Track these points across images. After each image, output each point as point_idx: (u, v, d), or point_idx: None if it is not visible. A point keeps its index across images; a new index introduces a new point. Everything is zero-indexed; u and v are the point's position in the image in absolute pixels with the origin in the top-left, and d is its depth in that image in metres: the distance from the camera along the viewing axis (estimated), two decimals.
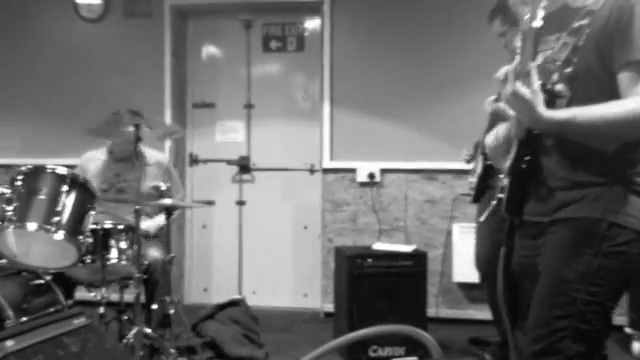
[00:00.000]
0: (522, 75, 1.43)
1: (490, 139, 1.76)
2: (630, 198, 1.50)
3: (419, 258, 3.58)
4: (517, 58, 1.44)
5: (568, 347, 1.49)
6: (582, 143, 1.51)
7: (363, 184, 4.43)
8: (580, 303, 1.49)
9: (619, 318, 3.84)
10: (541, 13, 1.45)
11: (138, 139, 2.92)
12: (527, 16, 1.47)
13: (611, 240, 1.49)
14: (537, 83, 1.43)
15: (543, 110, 1.43)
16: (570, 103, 1.52)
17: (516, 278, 1.70)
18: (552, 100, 1.51)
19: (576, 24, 1.55)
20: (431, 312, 3.95)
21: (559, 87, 1.54)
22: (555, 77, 1.55)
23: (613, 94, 1.48)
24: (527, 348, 1.57)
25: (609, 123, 1.43)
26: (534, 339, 1.54)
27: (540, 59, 1.60)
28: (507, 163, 1.66)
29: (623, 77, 1.47)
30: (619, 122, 1.43)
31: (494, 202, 1.75)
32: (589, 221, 1.51)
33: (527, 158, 1.59)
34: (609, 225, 1.49)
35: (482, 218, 1.70)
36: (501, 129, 1.72)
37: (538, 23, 1.44)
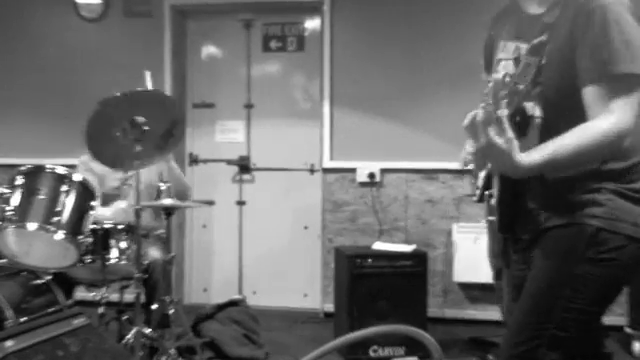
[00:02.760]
0: (492, 122, 1.32)
1: (470, 147, 1.77)
2: (618, 202, 1.47)
3: (419, 258, 3.59)
4: (484, 105, 1.35)
5: (544, 354, 1.47)
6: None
7: (363, 184, 4.43)
8: (560, 309, 1.47)
9: (619, 318, 3.84)
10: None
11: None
12: (498, 75, 1.41)
13: (599, 246, 1.46)
14: (510, 131, 1.33)
15: (520, 158, 1.35)
16: (545, 125, 1.50)
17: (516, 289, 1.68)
18: (526, 123, 1.48)
19: (535, 41, 1.49)
20: (431, 312, 3.95)
21: (530, 106, 1.51)
22: (525, 100, 1.50)
23: (584, 109, 1.44)
24: (505, 350, 1.56)
25: (587, 150, 1.39)
26: (513, 343, 1.53)
27: (502, 70, 1.57)
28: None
29: (587, 92, 1.44)
30: (596, 146, 1.39)
31: (475, 198, 1.76)
32: (574, 227, 1.49)
33: (509, 187, 1.58)
34: (596, 230, 1.46)
35: (491, 217, 1.69)
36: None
37: (504, 111, 1.34)
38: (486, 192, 1.73)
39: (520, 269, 1.65)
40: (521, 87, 1.48)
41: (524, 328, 1.51)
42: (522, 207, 1.58)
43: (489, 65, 1.75)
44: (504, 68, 1.61)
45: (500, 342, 1.76)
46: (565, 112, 1.46)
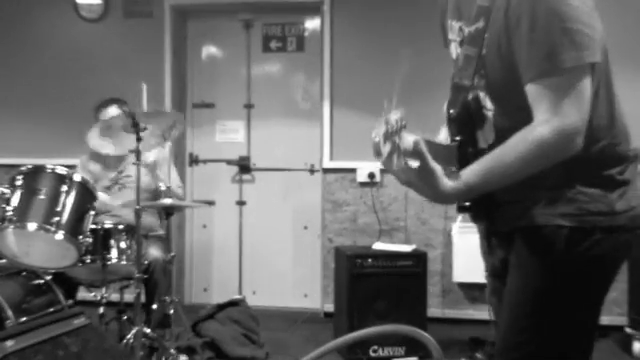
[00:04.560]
0: (412, 151, 1.19)
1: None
2: (589, 193, 1.35)
3: (419, 258, 3.58)
4: (385, 128, 1.24)
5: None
6: None
7: (363, 184, 4.43)
8: (547, 324, 1.39)
9: (619, 318, 3.84)
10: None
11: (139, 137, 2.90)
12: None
13: (577, 246, 1.35)
14: (430, 157, 1.21)
15: (445, 183, 1.23)
16: (496, 116, 1.41)
17: (495, 283, 1.62)
18: (481, 115, 1.40)
19: (472, 28, 1.38)
20: (431, 312, 3.95)
21: (482, 96, 1.41)
22: (472, 93, 1.41)
23: None
24: (498, 356, 1.50)
25: (525, 164, 1.27)
26: (503, 349, 1.47)
27: (453, 52, 1.49)
28: None
29: (528, 90, 1.29)
30: (539, 156, 1.26)
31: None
32: (549, 230, 1.37)
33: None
34: (570, 231, 1.35)
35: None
36: (442, 136, 1.64)
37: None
38: None
39: (500, 259, 1.55)
40: (465, 82, 1.40)
41: (512, 333, 1.44)
42: (492, 200, 1.45)
43: (446, 42, 1.63)
44: (455, 49, 1.52)
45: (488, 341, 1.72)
46: (514, 102, 1.34)
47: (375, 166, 4.39)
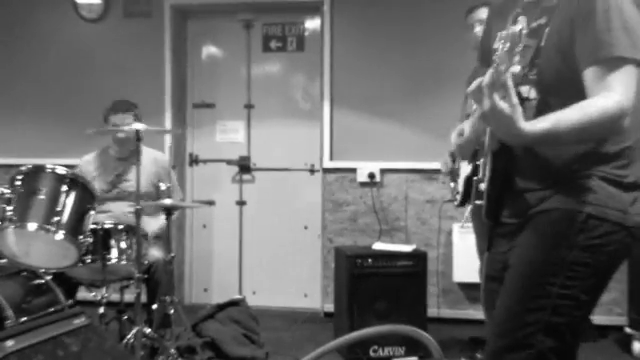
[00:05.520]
0: (498, 87, 1.31)
1: (455, 138, 1.73)
2: (608, 189, 1.47)
3: (419, 258, 3.58)
4: (492, 69, 1.34)
5: (540, 341, 1.44)
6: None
7: (363, 184, 4.43)
8: (554, 296, 1.45)
9: (619, 318, 3.85)
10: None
11: (139, 138, 2.91)
12: (515, 28, 1.38)
13: (588, 232, 1.45)
14: (515, 97, 1.34)
15: (523, 125, 1.35)
16: (540, 107, 1.49)
17: (492, 285, 1.66)
18: (520, 104, 1.44)
19: (534, 24, 1.51)
20: (431, 312, 3.95)
21: (525, 89, 1.51)
22: (521, 83, 1.50)
23: (581, 91, 1.44)
24: (492, 343, 1.52)
25: (586, 126, 1.38)
26: (501, 333, 1.50)
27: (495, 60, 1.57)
28: (466, 171, 1.64)
29: (588, 73, 1.44)
30: (599, 122, 1.38)
31: (471, 205, 1.73)
32: (565, 212, 1.48)
33: (501, 168, 1.56)
34: (586, 217, 1.46)
35: (478, 201, 1.65)
36: (466, 127, 1.70)
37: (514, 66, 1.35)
38: (474, 177, 1.70)
39: (502, 252, 1.62)
40: (518, 69, 1.47)
41: (515, 316, 1.48)
42: (511, 189, 1.57)
43: (485, 55, 1.72)
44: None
45: (488, 331, 1.72)
46: (562, 95, 1.46)
47: (375, 166, 4.39)
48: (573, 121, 1.38)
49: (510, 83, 1.31)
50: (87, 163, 3.59)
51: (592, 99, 1.42)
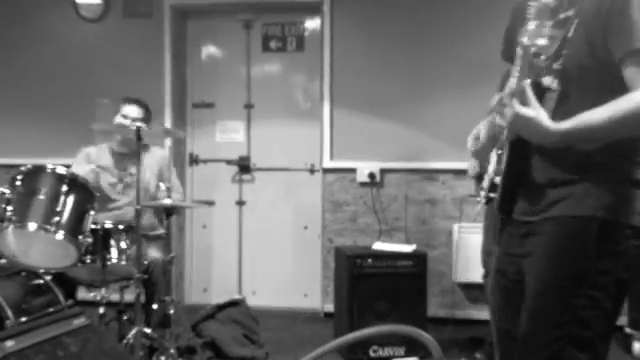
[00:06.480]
0: (518, 94, 1.35)
1: (471, 141, 1.73)
2: (626, 191, 1.43)
3: (419, 258, 3.58)
4: (513, 79, 1.37)
5: (572, 356, 1.41)
6: None
7: (363, 184, 4.43)
8: (579, 309, 1.41)
9: (619, 318, 3.84)
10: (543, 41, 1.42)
11: (139, 136, 2.90)
12: (525, 39, 1.43)
13: (607, 239, 1.41)
14: (535, 99, 1.35)
15: (550, 125, 1.36)
16: (561, 98, 1.46)
17: (503, 280, 1.63)
18: (540, 95, 1.45)
19: (562, 15, 1.48)
20: (431, 312, 3.95)
21: (547, 80, 1.48)
22: (544, 71, 1.48)
23: (606, 86, 1.41)
24: (530, 355, 1.48)
25: (623, 119, 1.34)
26: (533, 349, 1.46)
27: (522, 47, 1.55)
28: (493, 164, 1.63)
29: (628, 71, 1.39)
30: (628, 119, 1.35)
31: (483, 200, 1.71)
32: (580, 220, 1.43)
33: (519, 160, 1.54)
34: (604, 223, 1.41)
35: (492, 194, 1.63)
36: (482, 129, 1.69)
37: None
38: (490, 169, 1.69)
39: (517, 255, 1.57)
40: (543, 58, 1.48)
41: (544, 333, 1.44)
42: (526, 182, 1.53)
43: (508, 51, 1.71)
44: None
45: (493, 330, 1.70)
46: (584, 86, 1.44)
47: (375, 166, 4.39)
48: (603, 117, 1.35)
49: (528, 88, 1.35)
50: (92, 153, 3.50)
51: (627, 94, 1.38)
